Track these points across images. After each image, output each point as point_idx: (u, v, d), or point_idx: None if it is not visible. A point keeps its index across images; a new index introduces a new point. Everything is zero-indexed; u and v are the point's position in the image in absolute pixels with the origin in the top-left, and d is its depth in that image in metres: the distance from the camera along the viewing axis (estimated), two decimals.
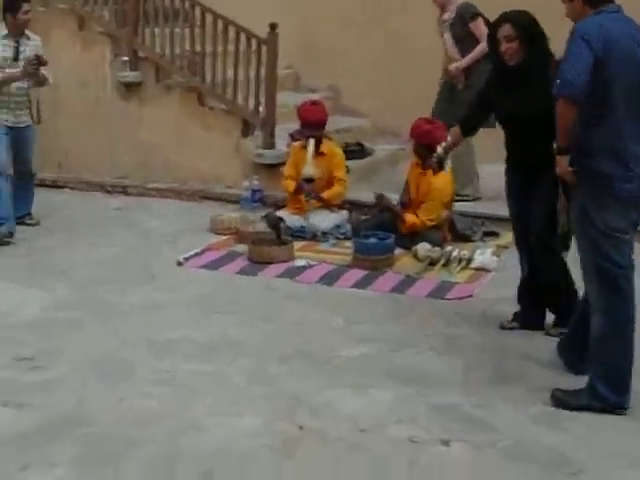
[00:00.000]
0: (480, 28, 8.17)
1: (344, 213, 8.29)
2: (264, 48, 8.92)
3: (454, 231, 7.85)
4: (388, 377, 5.17)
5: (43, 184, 9.48)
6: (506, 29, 5.35)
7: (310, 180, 8.10)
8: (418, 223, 7.63)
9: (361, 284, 6.84)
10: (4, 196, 7.94)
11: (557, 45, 5.18)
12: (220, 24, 9.17)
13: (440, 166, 6.29)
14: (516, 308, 5.94)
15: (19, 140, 8.16)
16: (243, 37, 9.05)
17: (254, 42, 9.00)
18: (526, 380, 5.15)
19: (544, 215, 5.48)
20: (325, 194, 8.19)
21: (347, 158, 9.34)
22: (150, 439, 4.44)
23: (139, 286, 6.77)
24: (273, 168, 9.00)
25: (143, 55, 9.77)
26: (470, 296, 6.60)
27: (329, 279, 6.95)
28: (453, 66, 8.49)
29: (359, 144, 9.87)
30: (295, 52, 10.79)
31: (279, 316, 6.19)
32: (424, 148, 7.37)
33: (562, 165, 4.74)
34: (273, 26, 8.81)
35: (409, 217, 7.68)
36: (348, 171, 9.05)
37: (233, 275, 7.06)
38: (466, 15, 8.38)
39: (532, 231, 5.64)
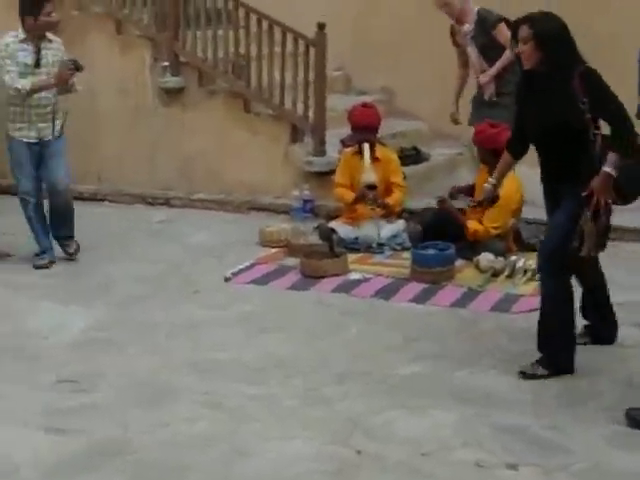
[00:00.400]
0: (504, 33, 7.94)
1: (400, 222, 8.30)
2: (312, 49, 8.96)
3: (519, 240, 7.83)
4: (449, 397, 5.18)
5: (81, 197, 9.59)
6: (523, 30, 5.26)
7: (372, 187, 8.12)
8: (481, 231, 7.63)
9: (420, 298, 6.86)
10: (36, 227, 7.81)
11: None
12: (265, 25, 9.24)
13: (492, 201, 6.18)
14: (585, 321, 5.92)
15: (46, 156, 7.71)
16: (290, 38, 9.11)
17: (302, 43, 9.05)
18: (598, 398, 5.13)
19: (560, 229, 5.36)
20: (390, 200, 8.22)
21: (403, 164, 9.38)
22: (199, 465, 4.48)
23: (183, 304, 6.85)
24: (324, 176, 9.04)
25: (184, 59, 9.87)
26: (536, 309, 6.55)
27: (386, 293, 6.98)
28: (482, 77, 8.37)
29: (415, 149, 9.89)
30: (345, 52, 10.82)
31: (333, 333, 6.22)
32: (489, 154, 7.38)
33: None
34: (321, 26, 8.86)
35: (472, 224, 7.67)
36: (405, 178, 9.09)
37: (284, 290, 7.12)
38: (487, 23, 8.22)
39: (543, 243, 5.63)
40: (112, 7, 10.08)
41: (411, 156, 9.74)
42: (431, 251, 7.34)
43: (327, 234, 7.72)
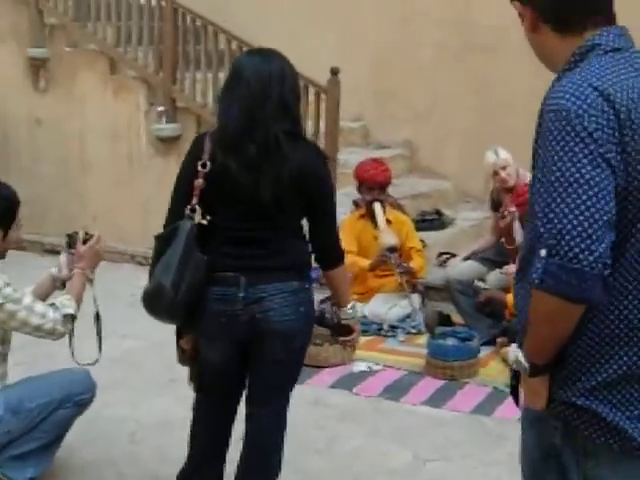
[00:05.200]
0: None
1: (415, 298, 7.18)
2: (323, 97, 7.89)
3: None
4: None
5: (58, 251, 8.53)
6: None
7: (393, 249, 7.03)
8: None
9: (436, 400, 5.73)
10: None
11: None
12: None
13: None
14: None
15: None
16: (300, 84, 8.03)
17: (311, 90, 7.98)
18: None
19: None
20: (413, 265, 7.14)
21: (422, 229, 8.35)
22: None
23: (155, 396, 5.73)
24: None
25: (182, 105, 8.80)
26: None
27: (396, 392, 5.86)
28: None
29: (437, 212, 8.80)
30: (365, 102, 9.81)
31: (328, 448, 5.10)
32: None
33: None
34: (335, 71, 7.81)
35: (511, 298, 6.52)
36: (424, 246, 8.00)
37: None
38: None
39: None
40: (106, 44, 9.05)
41: (433, 220, 8.65)
42: (450, 341, 6.19)
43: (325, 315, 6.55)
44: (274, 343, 3.78)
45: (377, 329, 6.92)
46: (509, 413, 5.49)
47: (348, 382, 6.00)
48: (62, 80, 9.42)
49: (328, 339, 6.32)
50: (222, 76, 8.46)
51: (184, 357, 4.01)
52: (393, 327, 6.91)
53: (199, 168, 3.68)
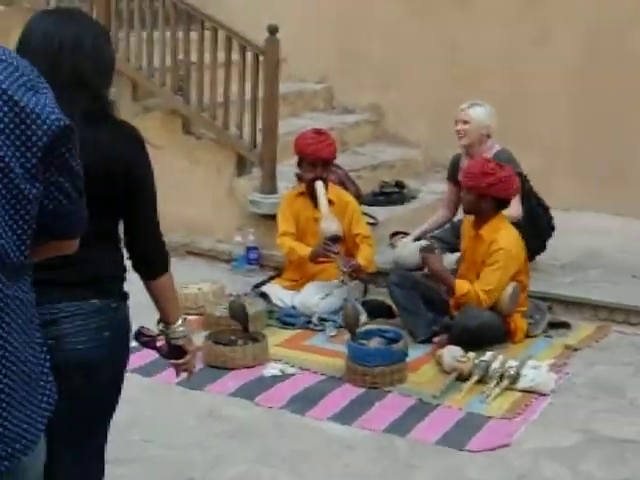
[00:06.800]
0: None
1: (355, 286, 6.33)
2: (262, 59, 7.00)
3: None
4: None
5: None
6: None
7: (336, 239, 6.15)
8: (472, 294, 5.61)
9: (346, 415, 4.88)
10: None
11: None
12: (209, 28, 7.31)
13: None
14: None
15: None
16: (236, 45, 7.16)
17: (250, 52, 7.09)
18: None
19: None
20: (361, 261, 6.24)
21: (378, 203, 7.49)
22: None
23: None
24: (273, 219, 7.00)
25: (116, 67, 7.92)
26: (506, 445, 4.56)
27: (302, 402, 5.02)
28: None
29: (399, 184, 7.92)
30: (328, 62, 8.93)
31: (207, 472, 4.34)
32: (487, 201, 5.67)
33: None
34: (273, 30, 6.90)
35: (462, 283, 5.70)
36: (375, 223, 7.14)
37: (170, 387, 5.11)
38: None
39: None
40: (38, 2, 8.20)
41: (392, 193, 7.77)
42: (373, 342, 5.34)
43: (239, 311, 5.68)
44: (72, 376, 2.97)
45: (305, 322, 6.08)
46: (428, 435, 4.67)
47: (252, 389, 5.16)
48: None
49: (242, 336, 5.60)
50: (157, 36, 7.65)
51: None
52: (323, 320, 6.05)
53: None
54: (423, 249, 5.94)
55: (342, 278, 6.17)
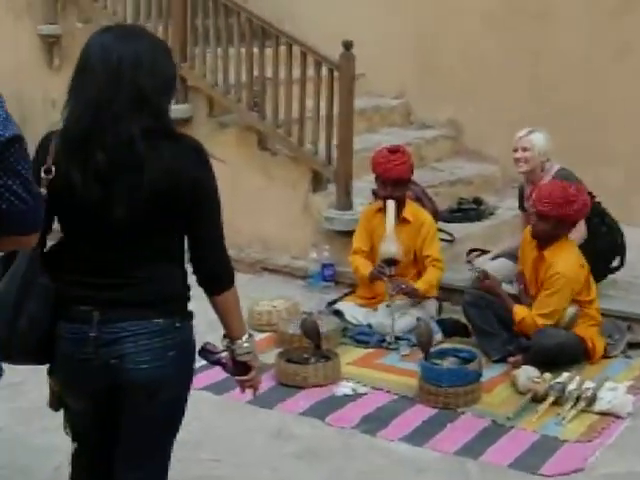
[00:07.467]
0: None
1: (431, 304, 6.25)
2: (336, 74, 6.96)
3: None
4: None
5: None
6: None
7: (392, 262, 6.06)
8: (528, 319, 5.51)
9: (418, 436, 4.79)
10: None
11: None
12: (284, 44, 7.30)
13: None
14: None
15: None
16: (311, 60, 7.12)
17: (325, 68, 7.06)
18: None
19: None
20: (420, 285, 6.16)
21: (457, 220, 7.38)
22: None
23: None
24: (348, 236, 6.94)
25: (193, 84, 7.93)
26: (580, 470, 4.43)
27: (374, 423, 4.95)
28: None
29: (476, 200, 7.80)
30: (406, 78, 8.87)
31: None
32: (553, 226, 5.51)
33: None
34: (347, 45, 6.85)
35: (519, 309, 5.59)
36: (452, 240, 7.04)
37: (241, 405, 5.05)
38: None
39: None
40: (116, 20, 8.24)
41: (470, 210, 7.65)
42: (447, 362, 5.25)
43: (311, 330, 5.62)
44: (134, 396, 2.96)
45: (379, 340, 6.00)
46: (500, 458, 4.55)
47: (323, 409, 5.10)
48: (75, 57, 8.65)
49: (314, 354, 5.54)
50: (232, 52, 7.65)
51: (52, 400, 3.21)
52: (398, 339, 5.97)
53: (42, 174, 2.87)
54: (477, 278, 5.85)
55: (388, 303, 6.09)
